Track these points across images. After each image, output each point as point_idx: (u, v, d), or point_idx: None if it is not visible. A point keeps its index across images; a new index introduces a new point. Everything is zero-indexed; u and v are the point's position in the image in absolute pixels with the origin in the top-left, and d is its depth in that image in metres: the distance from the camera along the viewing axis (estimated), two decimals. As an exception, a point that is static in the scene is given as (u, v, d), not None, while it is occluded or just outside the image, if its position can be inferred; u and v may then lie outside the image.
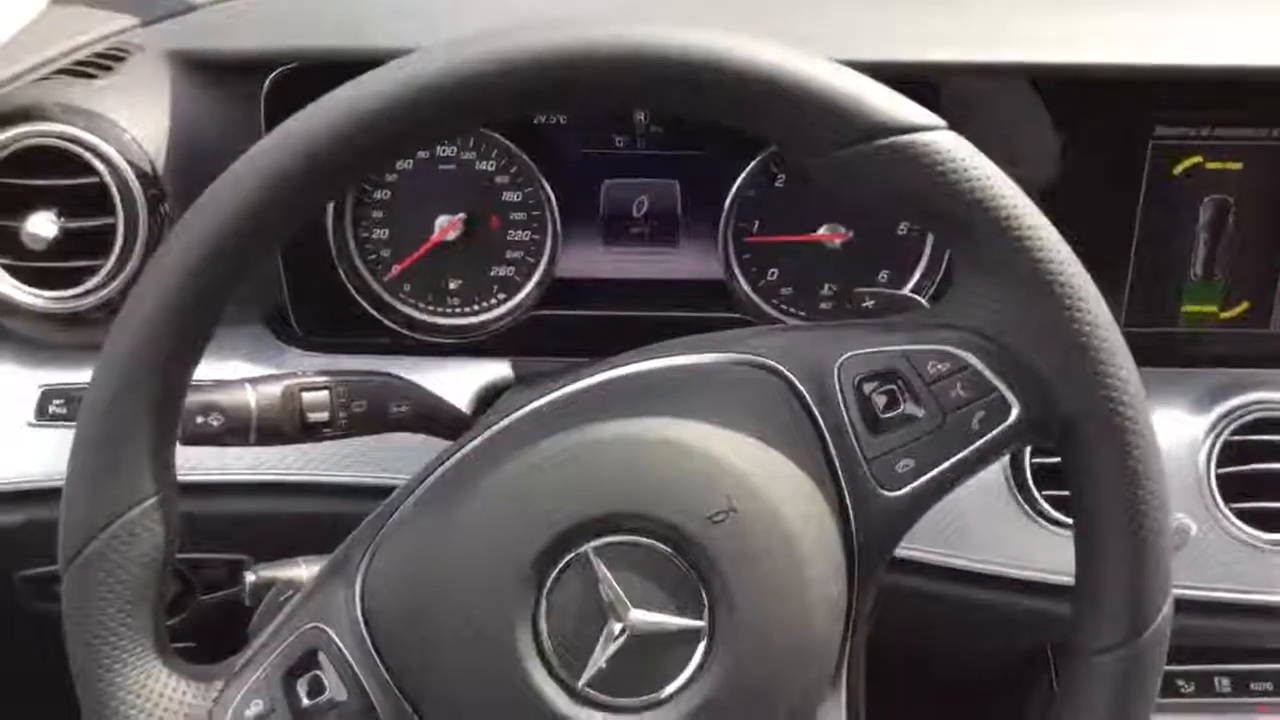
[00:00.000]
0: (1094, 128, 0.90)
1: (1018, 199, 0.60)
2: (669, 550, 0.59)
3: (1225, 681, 0.94)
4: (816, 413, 0.62)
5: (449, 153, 0.92)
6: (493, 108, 0.59)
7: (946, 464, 0.62)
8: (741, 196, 0.92)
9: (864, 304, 0.79)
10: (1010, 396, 0.62)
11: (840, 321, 0.66)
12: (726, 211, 0.92)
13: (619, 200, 0.94)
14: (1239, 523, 0.91)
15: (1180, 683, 0.93)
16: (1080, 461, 0.61)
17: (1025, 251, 0.60)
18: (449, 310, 0.95)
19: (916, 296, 0.73)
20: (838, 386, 0.63)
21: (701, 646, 0.59)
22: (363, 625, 0.60)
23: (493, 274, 0.94)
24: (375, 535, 0.62)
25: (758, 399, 0.63)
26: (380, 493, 0.89)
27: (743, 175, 0.91)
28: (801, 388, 0.63)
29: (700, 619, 0.59)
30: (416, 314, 0.95)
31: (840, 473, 0.62)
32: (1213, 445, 0.92)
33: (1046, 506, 0.90)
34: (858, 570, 0.62)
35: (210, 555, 0.92)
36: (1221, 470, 0.91)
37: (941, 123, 0.60)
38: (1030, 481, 0.90)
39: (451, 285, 0.95)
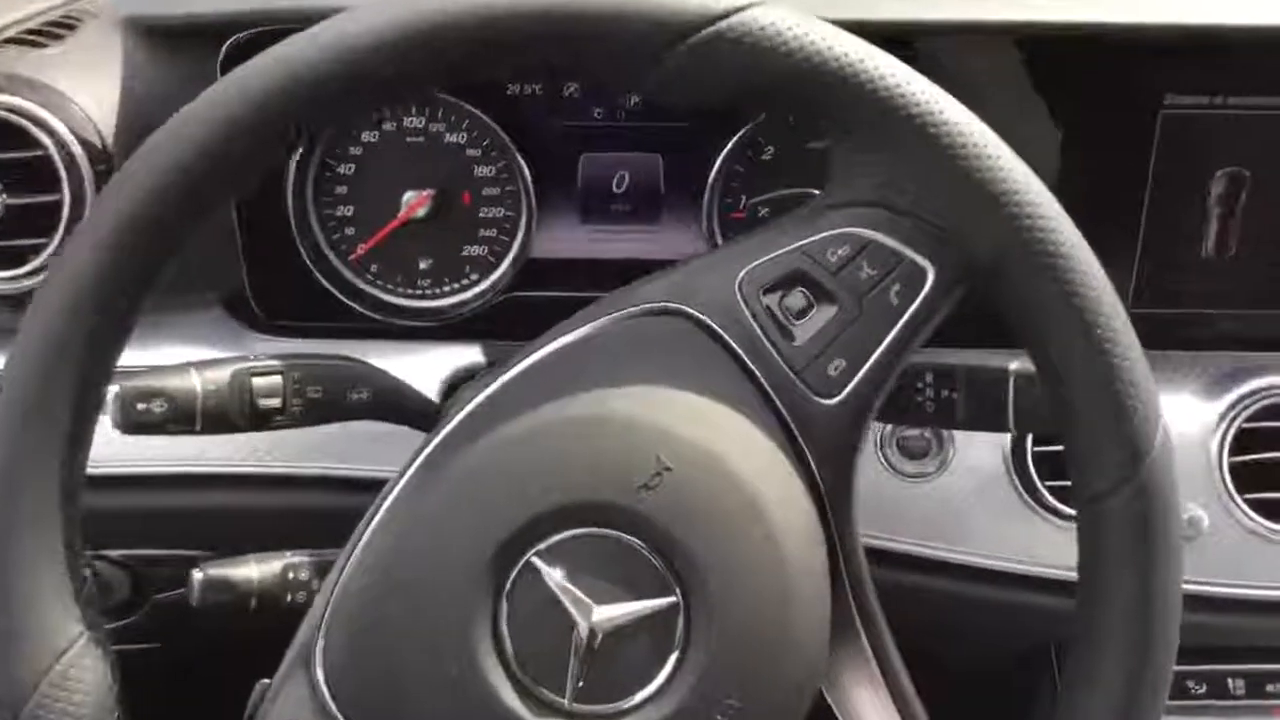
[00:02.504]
0: (1099, 97, 0.85)
1: (871, 53, 0.56)
2: (614, 533, 0.55)
3: (1239, 683, 0.88)
4: (729, 339, 0.58)
5: (417, 124, 0.87)
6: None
7: (879, 351, 0.58)
8: (726, 170, 0.87)
9: (760, 214, 0.75)
10: (920, 259, 0.57)
11: (731, 240, 0.62)
12: (710, 186, 0.87)
13: (598, 175, 0.89)
14: (1253, 514, 0.86)
15: (1191, 684, 0.88)
16: (1018, 303, 0.56)
17: (893, 103, 0.55)
18: (419, 292, 0.90)
19: (809, 189, 0.69)
20: (744, 306, 0.59)
21: (680, 621, 0.55)
22: (334, 708, 0.57)
23: (465, 253, 0.89)
24: (324, 615, 0.58)
25: (665, 347, 0.59)
26: (340, 484, 0.86)
27: (727, 148, 0.86)
28: (706, 319, 0.59)
29: (671, 594, 0.55)
30: (384, 296, 0.90)
31: (772, 393, 0.58)
32: (1225, 432, 0.87)
33: (1048, 497, 0.85)
34: (824, 488, 0.58)
35: (163, 552, 0.88)
36: (1235, 459, 0.86)
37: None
38: (1032, 470, 0.85)
39: (421, 265, 0.90)
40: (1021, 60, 0.84)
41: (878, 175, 0.57)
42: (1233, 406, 0.87)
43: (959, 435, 0.87)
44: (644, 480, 0.55)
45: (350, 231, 0.89)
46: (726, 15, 0.55)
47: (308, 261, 0.88)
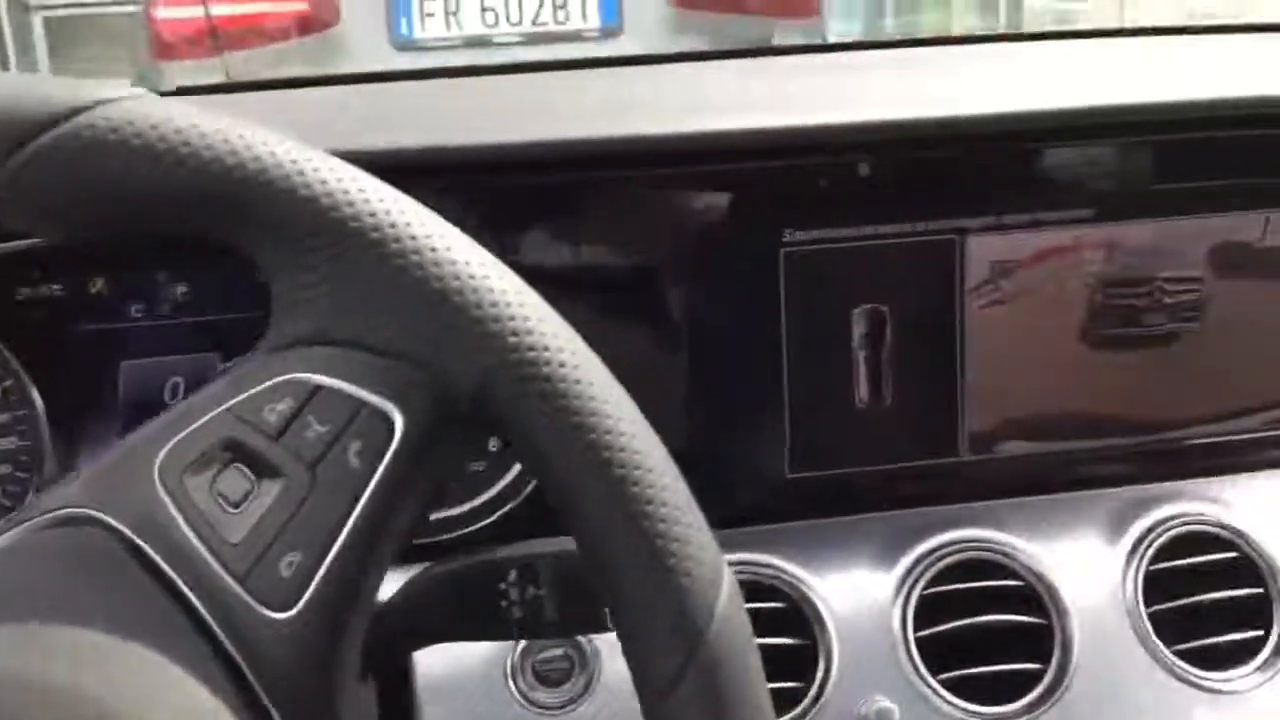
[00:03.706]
0: (719, 239, 0.76)
1: (296, 150, 0.43)
2: None
3: None
4: (147, 548, 0.42)
5: (-115, 347, 0.69)
6: None
7: (344, 534, 0.42)
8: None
9: None
10: (383, 403, 0.43)
11: (155, 416, 0.47)
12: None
13: (144, 385, 0.73)
14: (952, 698, 0.73)
15: None
16: (522, 448, 0.43)
17: (321, 204, 0.42)
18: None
19: None
20: (166, 499, 0.42)
21: None
22: None
23: (-34, 500, 0.71)
24: None
25: (71, 568, 0.42)
26: None
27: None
28: (118, 524, 0.42)
29: None
30: None
31: (206, 615, 0.41)
32: (905, 603, 0.75)
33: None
34: None
35: None
36: (921, 633, 0.74)
37: (122, 92, 0.43)
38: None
39: (-94, 523, 0.70)
40: (626, 197, 0.75)
41: (320, 303, 0.43)
42: (910, 572, 0.76)
43: (603, 644, 0.72)
44: None
45: None
46: (87, 109, 0.41)
47: None
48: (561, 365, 0.42)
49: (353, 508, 0.42)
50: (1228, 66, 0.86)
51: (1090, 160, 0.78)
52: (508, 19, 2.93)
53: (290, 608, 0.42)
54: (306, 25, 2.90)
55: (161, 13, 2.96)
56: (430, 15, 2.90)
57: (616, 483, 0.42)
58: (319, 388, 0.43)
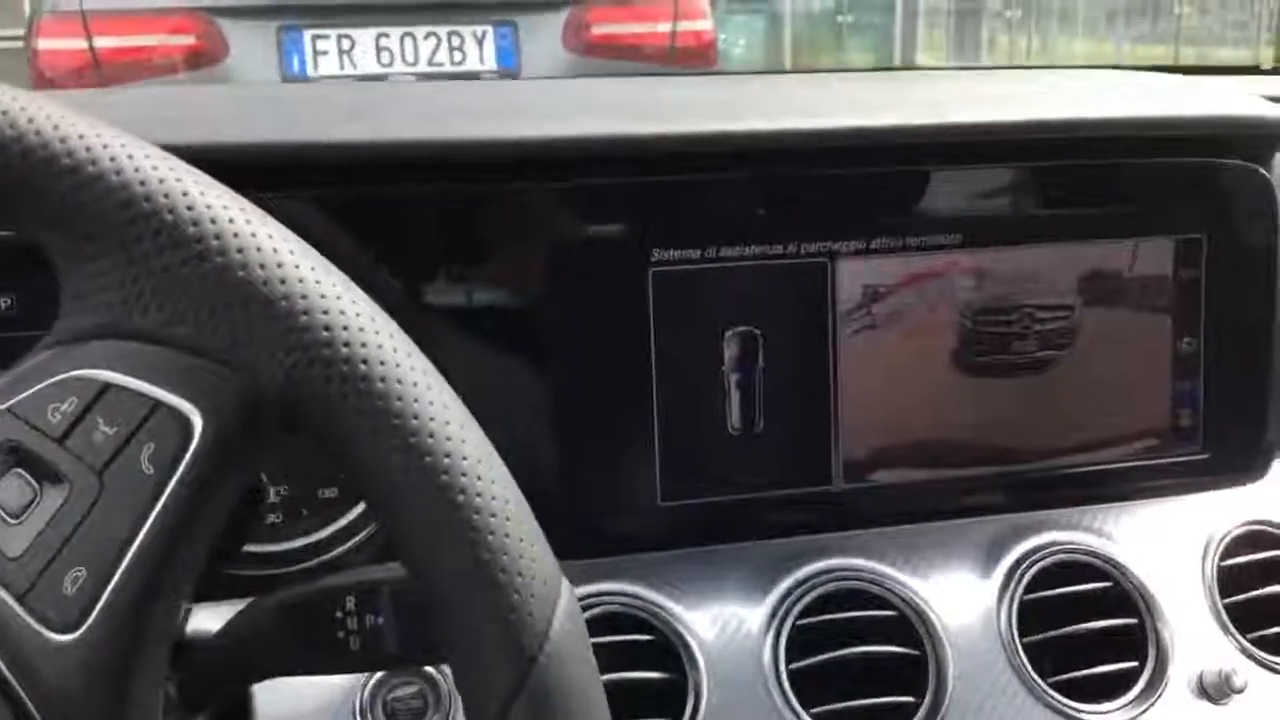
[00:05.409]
0: (585, 254, 0.73)
1: (64, 122, 0.39)
2: None
3: None
4: None
5: None
6: None
7: (135, 548, 0.38)
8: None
9: None
10: (180, 402, 0.39)
11: None
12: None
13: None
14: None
15: None
16: (329, 444, 0.40)
17: (109, 183, 0.39)
18: None
19: None
20: None
21: None
22: None
23: None
24: None
25: None
26: None
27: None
28: None
29: None
30: None
31: None
32: (777, 634, 0.72)
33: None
34: None
35: None
36: (793, 666, 0.72)
37: None
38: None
39: None
40: (487, 213, 0.72)
41: (110, 293, 0.40)
42: (782, 602, 0.74)
43: (459, 684, 0.68)
44: None
45: None
46: None
47: None
48: (381, 363, 0.39)
49: (145, 518, 0.39)
50: (1100, 95, 0.86)
51: (960, 185, 0.78)
52: (403, 58, 2.91)
53: (75, 629, 0.38)
54: (195, 59, 2.84)
55: (44, 44, 2.88)
56: (324, 53, 2.87)
57: (439, 489, 0.39)
58: (108, 385, 0.39)
